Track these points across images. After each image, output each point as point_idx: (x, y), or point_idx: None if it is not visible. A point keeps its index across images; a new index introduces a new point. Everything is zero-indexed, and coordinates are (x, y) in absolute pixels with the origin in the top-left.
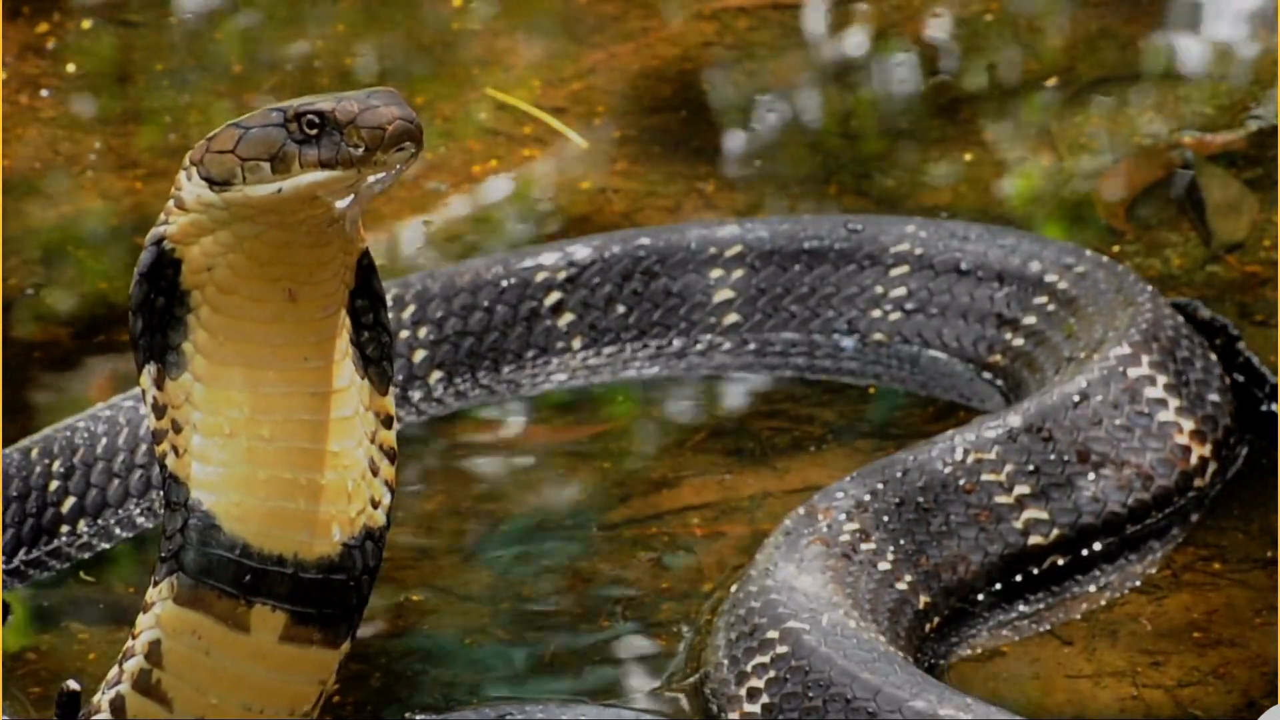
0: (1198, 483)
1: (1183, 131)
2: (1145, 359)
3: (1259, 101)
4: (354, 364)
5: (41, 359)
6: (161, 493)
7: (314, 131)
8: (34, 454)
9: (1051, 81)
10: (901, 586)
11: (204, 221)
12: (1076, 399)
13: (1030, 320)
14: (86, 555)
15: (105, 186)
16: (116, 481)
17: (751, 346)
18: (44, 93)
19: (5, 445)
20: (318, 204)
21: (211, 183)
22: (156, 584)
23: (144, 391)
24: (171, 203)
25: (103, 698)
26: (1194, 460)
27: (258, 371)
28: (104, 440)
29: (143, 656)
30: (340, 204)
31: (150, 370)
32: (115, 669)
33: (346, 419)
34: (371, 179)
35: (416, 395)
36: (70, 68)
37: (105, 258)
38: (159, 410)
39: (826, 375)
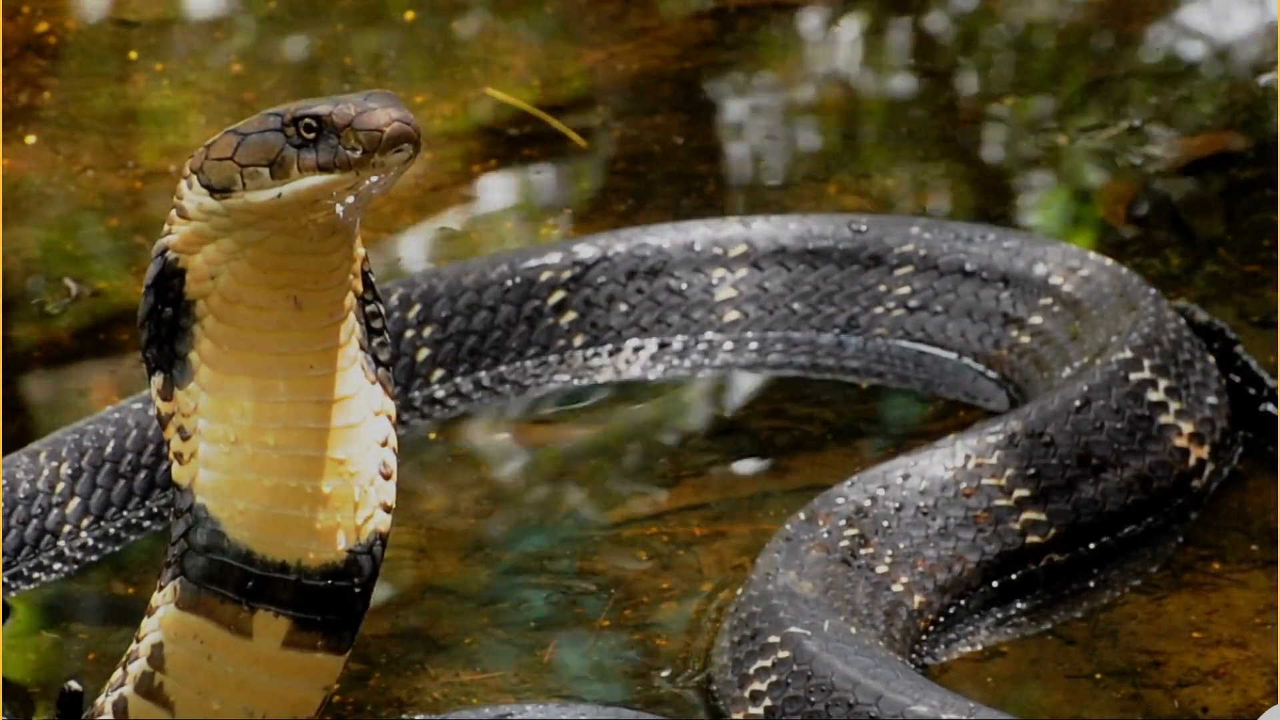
0: (1195, 484)
1: (1170, 133)
2: (1147, 363)
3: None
4: (359, 371)
5: (41, 359)
6: (164, 495)
7: (312, 135)
8: (42, 457)
9: (1051, 81)
10: (899, 589)
11: (206, 230)
12: (1078, 404)
13: (1035, 321)
14: (94, 558)
15: (105, 186)
16: (121, 483)
17: (754, 346)
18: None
19: (5, 444)
20: (318, 208)
21: (212, 190)
22: (161, 588)
23: (153, 400)
24: (174, 212)
25: (106, 700)
26: (1192, 462)
27: (263, 380)
28: (112, 443)
29: (145, 660)
30: (340, 207)
31: (157, 380)
32: (119, 671)
33: (351, 426)
34: (370, 181)
35: (419, 395)
36: (70, 68)
37: (105, 258)
38: (165, 419)
39: (829, 374)
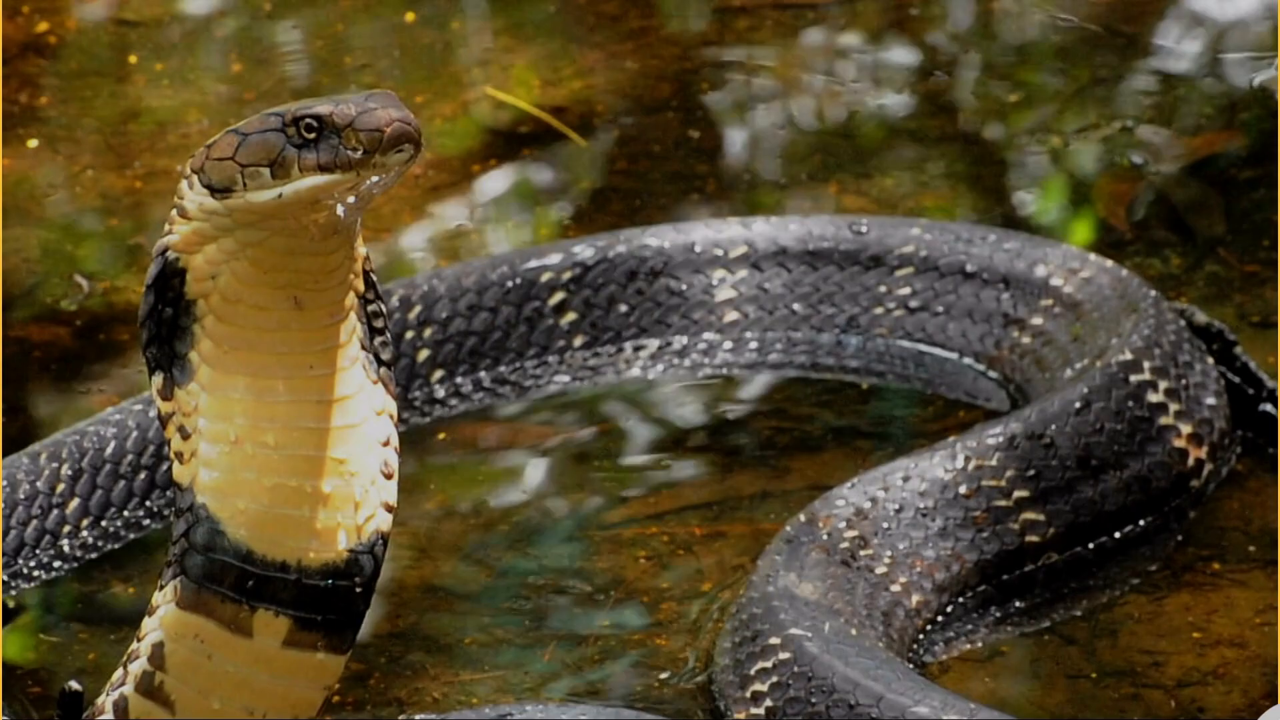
0: (1193, 484)
1: (1172, 132)
2: (1147, 365)
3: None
4: (360, 370)
5: (41, 359)
6: (164, 495)
7: (312, 135)
8: (43, 458)
9: (1050, 81)
10: (898, 589)
11: (207, 229)
12: (1078, 405)
13: (1036, 322)
14: (94, 557)
15: (105, 186)
16: (121, 484)
17: (754, 346)
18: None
19: (5, 445)
20: (319, 208)
21: (213, 190)
22: (162, 588)
23: (154, 400)
24: (174, 212)
25: (106, 699)
26: (1190, 463)
27: (263, 380)
28: (112, 444)
29: (146, 659)
30: (341, 207)
31: (158, 380)
32: (120, 671)
33: (351, 426)
34: (371, 181)
35: (419, 395)
36: (70, 68)
37: (105, 258)
38: (166, 419)
39: (829, 374)
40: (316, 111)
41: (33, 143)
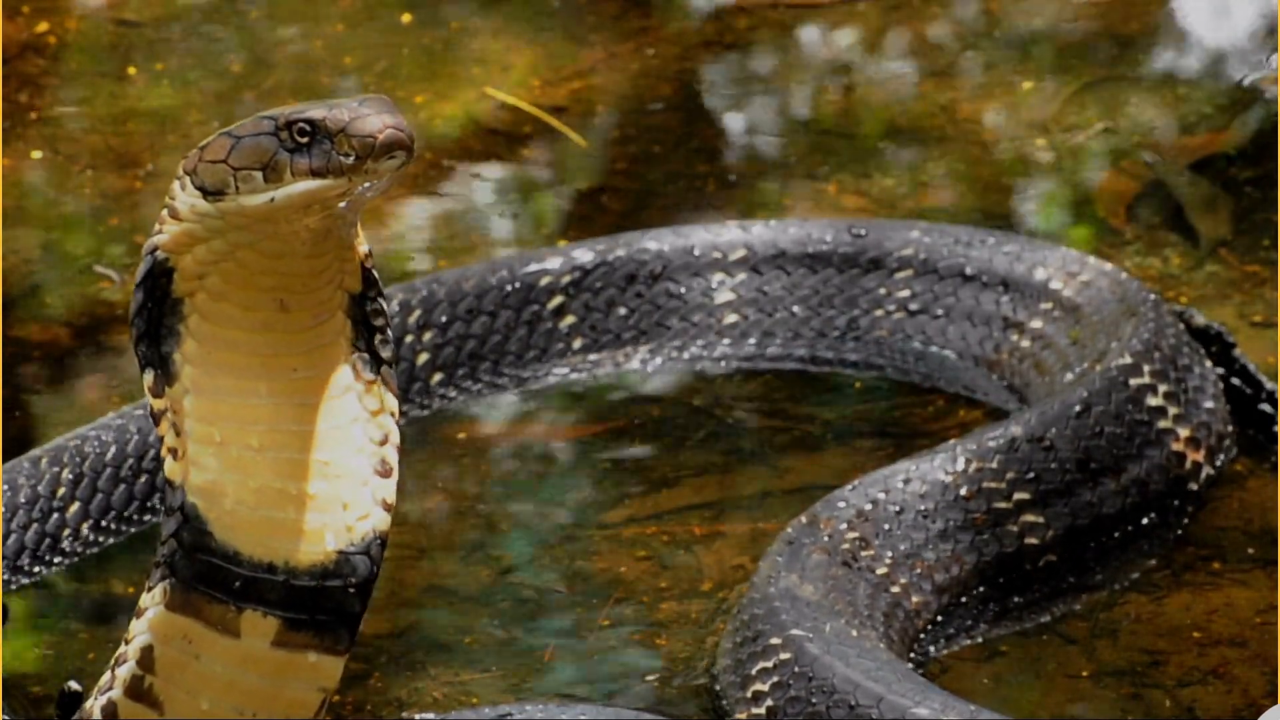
0: (1191, 486)
1: (1169, 132)
2: (1146, 368)
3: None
4: (351, 370)
5: (41, 359)
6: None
7: (305, 140)
8: (43, 463)
9: (1050, 81)
10: (898, 590)
11: (198, 231)
12: (1078, 409)
13: (1035, 325)
14: (94, 555)
15: (105, 186)
16: (122, 488)
17: (753, 347)
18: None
19: (5, 443)
20: (311, 212)
21: (205, 192)
22: (150, 589)
23: (147, 396)
24: (165, 212)
25: (95, 703)
26: (1188, 465)
27: (246, 381)
28: (113, 448)
29: (135, 662)
30: (333, 212)
31: (149, 377)
32: (108, 674)
33: (335, 428)
34: (363, 187)
35: (419, 398)
36: (70, 68)
37: (105, 257)
38: (157, 416)
39: (828, 374)
40: (309, 116)
41: (36, 154)
